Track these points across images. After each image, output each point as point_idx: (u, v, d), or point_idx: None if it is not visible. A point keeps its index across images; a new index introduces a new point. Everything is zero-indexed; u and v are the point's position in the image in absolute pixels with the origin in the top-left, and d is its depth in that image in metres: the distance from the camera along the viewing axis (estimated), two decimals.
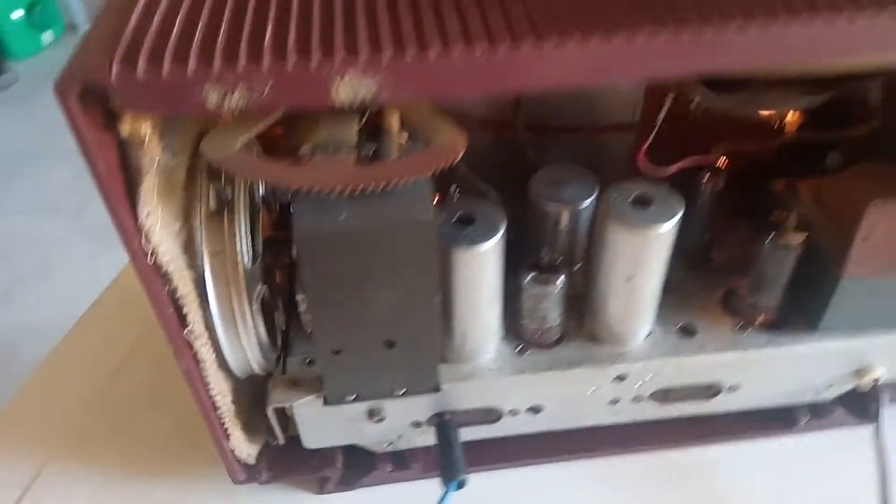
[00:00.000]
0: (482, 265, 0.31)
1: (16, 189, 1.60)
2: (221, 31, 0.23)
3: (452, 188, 0.33)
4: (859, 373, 0.38)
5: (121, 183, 0.25)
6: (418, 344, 0.32)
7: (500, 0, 0.23)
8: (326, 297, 0.30)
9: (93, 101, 0.22)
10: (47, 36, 2.20)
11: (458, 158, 0.26)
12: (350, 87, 0.22)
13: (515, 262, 0.34)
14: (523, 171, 0.36)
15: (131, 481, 0.39)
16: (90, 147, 0.23)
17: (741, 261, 0.36)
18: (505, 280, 0.33)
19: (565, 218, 0.35)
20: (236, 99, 0.22)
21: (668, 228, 0.31)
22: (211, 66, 0.22)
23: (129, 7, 0.24)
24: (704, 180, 0.35)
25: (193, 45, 0.22)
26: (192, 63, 0.22)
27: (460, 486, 0.34)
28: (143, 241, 0.26)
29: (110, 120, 0.23)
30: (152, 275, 0.27)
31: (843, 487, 0.38)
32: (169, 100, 0.22)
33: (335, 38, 0.22)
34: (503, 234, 0.31)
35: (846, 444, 0.39)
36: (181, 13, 0.24)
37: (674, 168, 0.34)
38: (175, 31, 0.23)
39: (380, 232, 0.27)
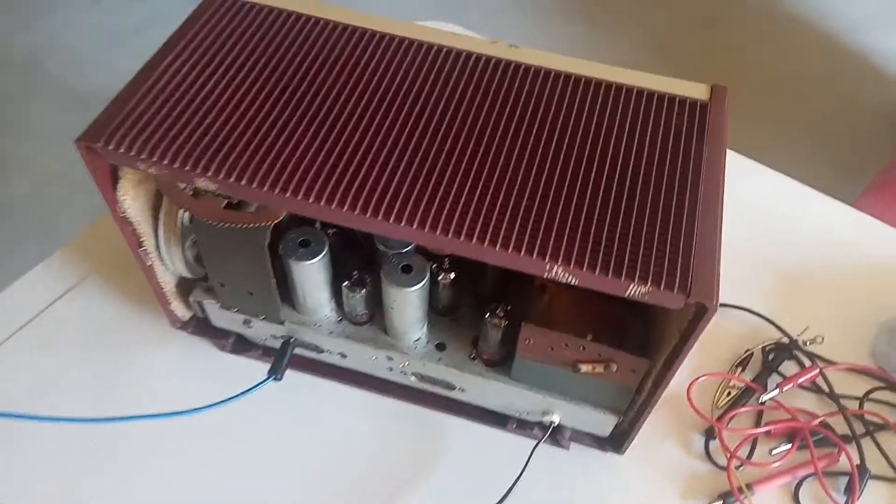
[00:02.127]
0: (309, 270, 0.54)
1: None
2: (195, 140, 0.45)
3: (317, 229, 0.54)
4: (545, 413, 0.57)
5: (109, 182, 0.49)
6: (266, 297, 0.55)
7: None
8: (214, 262, 0.53)
9: (93, 149, 0.45)
10: None
11: (273, 223, 0.48)
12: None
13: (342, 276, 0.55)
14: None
15: (126, 307, 0.67)
16: (91, 167, 0.47)
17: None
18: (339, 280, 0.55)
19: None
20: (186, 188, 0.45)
21: (412, 286, 0.51)
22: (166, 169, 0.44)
23: (149, 90, 0.47)
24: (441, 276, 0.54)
25: (167, 148, 0.45)
26: (155, 158, 0.44)
27: (276, 379, 0.58)
28: (118, 208, 0.50)
29: (103, 158, 0.46)
30: (123, 222, 0.51)
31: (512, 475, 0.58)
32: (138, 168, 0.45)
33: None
34: (322, 256, 0.53)
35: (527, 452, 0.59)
36: (189, 110, 0.46)
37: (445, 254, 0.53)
38: (168, 130, 0.45)
39: (237, 236, 0.50)
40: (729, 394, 0.63)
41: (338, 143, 0.46)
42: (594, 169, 0.45)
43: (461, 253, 0.43)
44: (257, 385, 0.58)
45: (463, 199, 0.43)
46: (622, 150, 0.47)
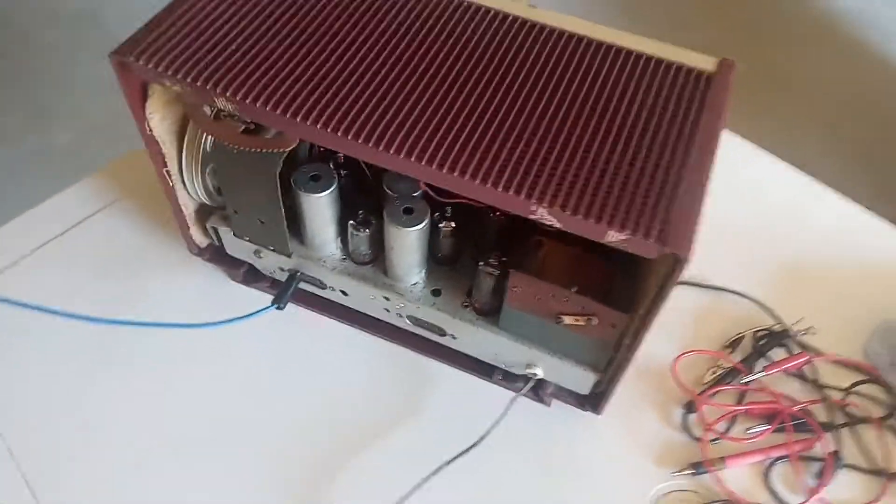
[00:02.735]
0: (317, 203, 0.56)
1: None
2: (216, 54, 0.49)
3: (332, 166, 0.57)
4: (529, 365, 0.59)
5: (140, 99, 0.52)
6: (276, 227, 0.58)
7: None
8: (229, 188, 0.57)
9: (126, 64, 0.49)
10: None
11: (286, 150, 0.51)
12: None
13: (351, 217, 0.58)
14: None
15: (150, 231, 0.71)
16: (124, 84, 0.50)
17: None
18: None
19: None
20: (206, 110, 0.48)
21: (412, 227, 0.54)
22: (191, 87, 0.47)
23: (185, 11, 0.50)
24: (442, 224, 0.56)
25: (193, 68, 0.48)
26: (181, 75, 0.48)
27: (279, 308, 0.61)
28: (146, 126, 0.54)
29: (133, 73, 0.50)
30: (150, 140, 0.55)
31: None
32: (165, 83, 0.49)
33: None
34: (332, 191, 0.56)
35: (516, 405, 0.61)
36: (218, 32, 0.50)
37: (448, 200, 0.55)
38: (198, 50, 0.49)
39: (252, 162, 0.53)
40: (715, 372, 0.64)
41: (350, 80, 0.49)
42: (592, 124, 0.47)
43: (455, 189, 0.45)
44: (261, 310, 0.61)
45: (462, 138, 0.46)
46: (622, 109, 0.48)
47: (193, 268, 0.68)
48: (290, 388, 0.62)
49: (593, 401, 0.59)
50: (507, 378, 0.62)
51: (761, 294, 0.68)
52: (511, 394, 0.59)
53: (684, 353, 0.63)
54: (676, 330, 0.66)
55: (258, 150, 0.52)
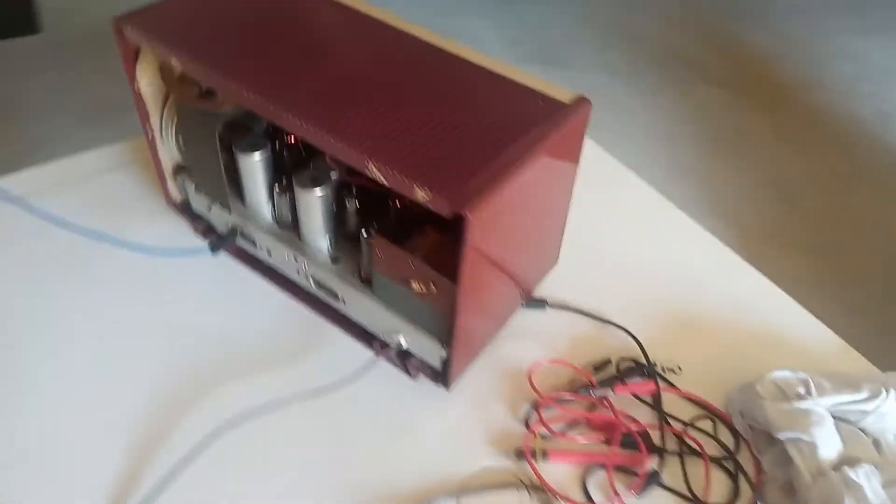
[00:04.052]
0: (250, 164, 0.69)
1: None
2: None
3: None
4: (395, 333, 0.67)
5: (133, 61, 0.68)
6: (219, 183, 0.72)
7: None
8: (187, 143, 0.71)
9: (121, 30, 0.65)
10: None
11: (222, 111, 0.64)
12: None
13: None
14: None
15: (140, 181, 0.86)
16: (120, 46, 0.66)
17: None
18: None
19: None
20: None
21: (313, 190, 0.65)
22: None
23: None
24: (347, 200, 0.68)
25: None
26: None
27: (213, 252, 0.74)
28: (136, 85, 0.69)
29: (127, 36, 0.66)
30: (138, 97, 0.71)
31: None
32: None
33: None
34: (262, 155, 0.68)
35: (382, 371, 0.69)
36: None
37: (355, 180, 0.67)
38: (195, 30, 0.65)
39: (202, 121, 0.67)
40: (573, 386, 0.69)
41: (269, 65, 0.63)
42: (445, 112, 0.58)
43: (316, 142, 0.57)
44: (198, 251, 0.74)
45: (332, 103, 0.58)
46: (476, 109, 0.59)
47: (168, 218, 0.83)
48: (205, 320, 0.74)
49: (444, 375, 0.67)
50: (384, 347, 0.70)
51: (644, 332, 0.74)
52: (382, 361, 0.68)
53: (548, 362, 0.70)
54: (552, 346, 0.73)
55: (204, 109, 0.66)
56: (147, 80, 0.70)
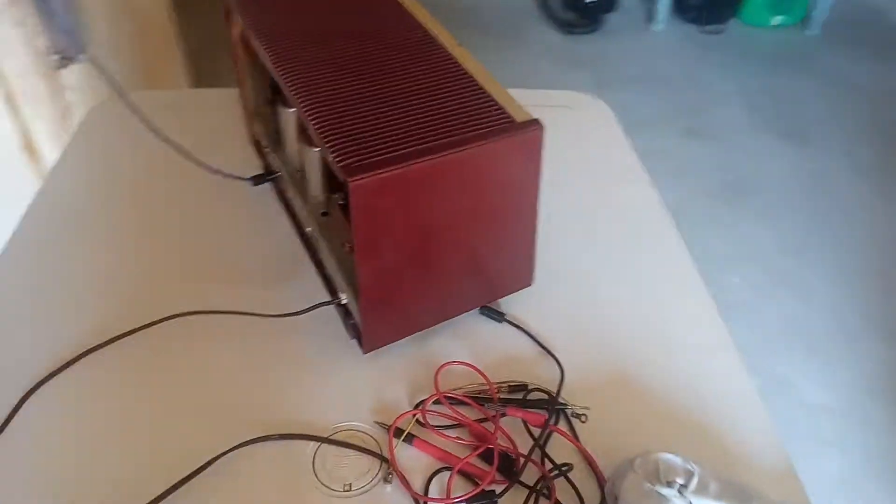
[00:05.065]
0: (287, 117, 0.82)
1: None
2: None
3: None
4: (341, 290, 0.75)
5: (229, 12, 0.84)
6: (269, 127, 0.85)
7: None
8: (255, 92, 0.86)
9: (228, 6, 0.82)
10: (776, 19, 3.04)
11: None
12: None
13: None
14: None
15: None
16: (226, 16, 0.83)
17: None
18: None
19: None
20: None
21: (314, 150, 0.76)
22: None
23: None
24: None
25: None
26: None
27: (253, 184, 0.88)
28: (233, 37, 0.86)
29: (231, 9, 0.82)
30: (236, 43, 0.87)
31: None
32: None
33: None
34: (293, 112, 0.81)
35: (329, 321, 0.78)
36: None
37: None
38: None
39: (264, 75, 0.81)
40: (477, 393, 0.71)
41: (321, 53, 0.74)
42: (408, 96, 0.66)
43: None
44: (240, 178, 0.89)
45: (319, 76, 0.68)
46: (438, 98, 0.66)
47: (246, 154, 0.99)
48: (223, 229, 0.90)
49: (359, 338, 0.73)
50: (335, 299, 0.79)
51: (577, 373, 0.73)
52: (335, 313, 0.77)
53: (463, 365, 0.73)
54: (484, 354, 0.75)
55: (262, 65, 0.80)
56: (238, 30, 0.86)
